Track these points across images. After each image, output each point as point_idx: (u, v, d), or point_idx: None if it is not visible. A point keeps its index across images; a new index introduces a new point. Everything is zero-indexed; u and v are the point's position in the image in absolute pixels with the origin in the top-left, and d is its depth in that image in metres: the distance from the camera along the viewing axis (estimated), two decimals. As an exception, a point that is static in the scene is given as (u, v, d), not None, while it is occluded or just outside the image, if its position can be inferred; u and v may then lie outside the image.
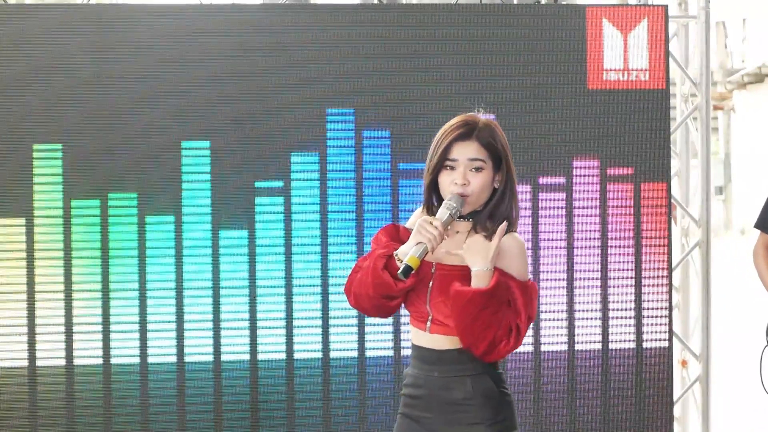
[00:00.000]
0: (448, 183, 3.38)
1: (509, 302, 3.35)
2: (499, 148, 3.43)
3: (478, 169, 3.38)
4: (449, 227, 3.38)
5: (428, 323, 3.42)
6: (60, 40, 5.61)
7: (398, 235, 3.48)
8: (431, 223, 3.31)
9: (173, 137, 5.70)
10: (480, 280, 3.32)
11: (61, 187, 5.64)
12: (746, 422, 8.45)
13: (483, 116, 3.49)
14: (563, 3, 6.46)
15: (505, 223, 3.40)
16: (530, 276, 4.13)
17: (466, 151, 3.38)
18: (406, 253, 3.33)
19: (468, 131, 3.40)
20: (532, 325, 5.79)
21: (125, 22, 5.66)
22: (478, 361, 3.41)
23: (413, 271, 3.31)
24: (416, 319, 3.45)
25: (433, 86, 5.78)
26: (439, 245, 3.33)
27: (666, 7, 5.96)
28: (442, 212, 3.34)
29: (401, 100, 5.78)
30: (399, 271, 3.30)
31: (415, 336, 3.48)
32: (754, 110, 27.14)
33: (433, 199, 3.47)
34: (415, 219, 3.48)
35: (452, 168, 3.38)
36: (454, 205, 3.35)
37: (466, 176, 3.37)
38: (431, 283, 3.40)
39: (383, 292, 3.38)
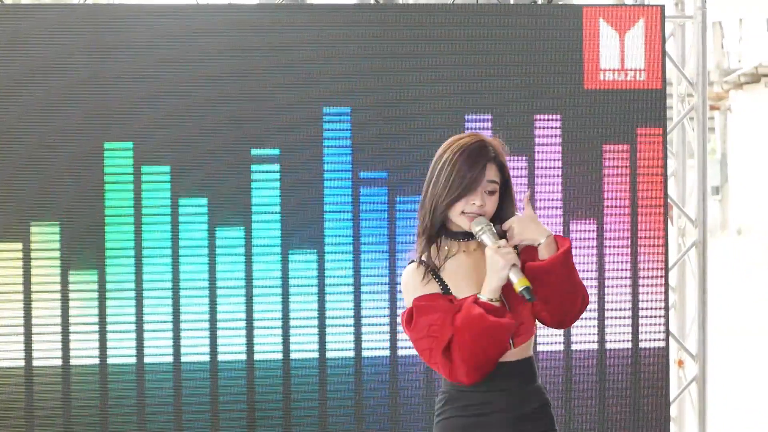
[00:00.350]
0: (463, 204, 3.37)
1: None
2: (505, 167, 3.44)
3: (492, 192, 3.38)
4: (459, 242, 3.42)
5: (512, 339, 3.35)
6: (56, 40, 5.60)
7: (427, 304, 3.36)
8: (500, 247, 3.28)
9: (168, 136, 5.69)
10: (550, 248, 3.34)
11: (57, 188, 5.63)
12: (742, 422, 8.46)
13: (488, 136, 3.47)
14: (560, 3, 6.46)
15: (528, 191, 3.45)
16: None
17: (487, 174, 3.38)
18: (495, 288, 3.28)
19: (491, 156, 3.39)
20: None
21: (121, 22, 5.65)
22: (536, 369, 3.46)
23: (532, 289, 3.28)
24: None
25: (430, 86, 5.77)
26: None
27: (662, 7, 5.96)
28: (490, 237, 3.33)
29: (398, 100, 5.77)
30: (528, 299, 3.25)
31: None
32: (750, 110, 27.16)
33: (434, 227, 3.41)
34: (414, 283, 3.40)
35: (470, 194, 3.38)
36: (485, 225, 3.34)
37: (483, 198, 3.36)
38: (504, 298, 3.34)
39: (509, 335, 3.30)
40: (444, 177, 3.36)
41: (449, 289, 3.38)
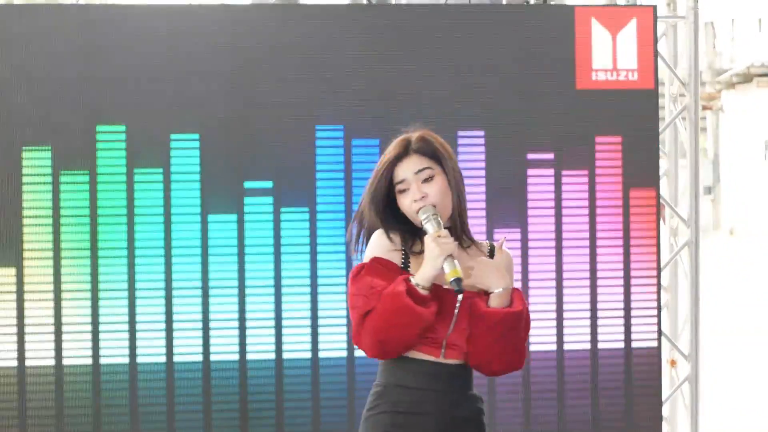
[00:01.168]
0: (409, 205, 3.35)
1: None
2: (439, 151, 3.40)
3: (429, 178, 3.35)
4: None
5: (443, 349, 3.33)
6: (48, 40, 5.60)
7: (387, 270, 3.35)
8: (440, 236, 3.26)
9: (162, 133, 5.69)
10: (501, 300, 3.32)
11: (50, 187, 5.63)
12: (735, 422, 8.47)
13: (414, 131, 3.47)
14: (552, 3, 6.46)
15: (503, 238, 3.42)
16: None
17: (409, 167, 3.36)
18: (428, 277, 3.25)
19: (403, 150, 3.39)
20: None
21: (114, 22, 5.65)
22: (472, 377, 3.41)
23: (462, 282, 3.25)
24: (427, 345, 3.34)
25: (422, 86, 5.77)
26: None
27: (655, 7, 5.97)
28: (433, 225, 3.30)
29: (390, 99, 5.77)
30: (456, 290, 3.23)
31: (419, 356, 3.37)
32: (742, 110, 27.21)
33: (387, 220, 3.41)
34: (380, 244, 3.39)
35: (404, 190, 3.37)
36: (431, 214, 3.31)
37: (420, 190, 3.33)
38: (457, 308, 3.31)
39: (422, 325, 3.25)
40: (370, 182, 3.42)
41: (408, 267, 3.36)
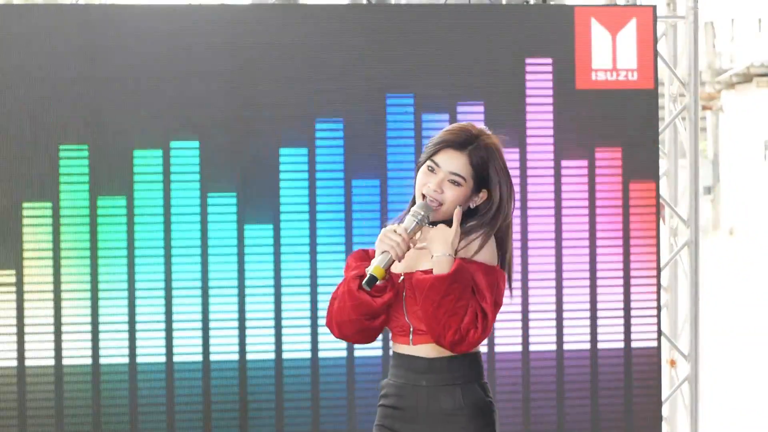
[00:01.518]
0: (422, 183, 3.30)
1: (473, 290, 3.23)
2: (489, 173, 3.32)
3: (456, 183, 3.28)
4: (417, 236, 3.29)
5: (411, 335, 3.31)
6: (47, 40, 5.60)
7: (368, 257, 3.36)
8: (395, 231, 3.22)
9: (161, 136, 5.69)
10: (441, 266, 3.21)
11: (50, 188, 5.63)
12: (734, 422, 8.47)
13: (490, 132, 3.41)
14: (552, 3, 6.46)
15: (459, 208, 3.28)
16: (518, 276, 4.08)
17: (450, 163, 3.29)
18: (371, 266, 3.25)
19: (462, 142, 3.32)
20: (520, 325, 5.80)
21: (113, 22, 5.65)
22: (468, 370, 3.33)
23: (378, 281, 3.21)
24: (398, 335, 3.35)
25: (421, 86, 5.77)
26: (405, 254, 3.23)
27: (654, 7, 5.97)
28: (409, 220, 3.25)
29: (389, 99, 5.77)
30: (363, 282, 3.21)
31: (398, 349, 3.39)
32: (742, 110, 27.21)
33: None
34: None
35: (432, 171, 3.30)
36: (422, 213, 3.25)
37: (441, 185, 3.28)
38: (404, 293, 3.30)
39: (364, 311, 3.27)
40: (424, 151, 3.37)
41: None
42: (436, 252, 3.23)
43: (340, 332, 3.37)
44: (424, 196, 3.31)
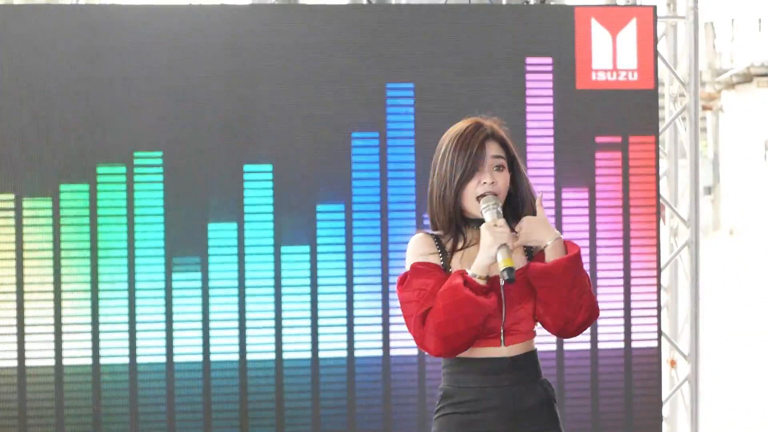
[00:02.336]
0: (473, 185, 3.31)
1: None
2: (509, 146, 3.39)
3: (500, 168, 3.33)
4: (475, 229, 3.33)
5: (503, 337, 3.30)
6: (47, 42, 5.60)
7: (430, 271, 3.30)
8: (496, 225, 3.22)
9: (160, 137, 5.69)
10: (557, 250, 3.28)
11: (50, 188, 5.63)
12: (735, 422, 8.47)
13: (484, 119, 3.42)
14: (552, 3, 6.46)
15: (541, 194, 3.38)
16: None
17: (489, 151, 3.33)
18: (483, 266, 3.22)
19: (488, 132, 3.35)
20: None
21: (112, 24, 5.65)
22: (539, 365, 3.40)
23: (514, 272, 3.20)
24: (485, 339, 3.31)
25: (421, 85, 5.77)
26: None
27: (654, 7, 5.97)
28: (491, 213, 3.25)
29: (389, 98, 5.77)
30: (507, 278, 3.18)
31: (477, 351, 3.33)
32: (742, 110, 27.21)
33: (456, 213, 3.35)
34: (421, 247, 3.35)
35: (477, 173, 3.32)
36: (492, 203, 3.27)
37: (492, 175, 3.31)
38: (503, 294, 3.28)
39: (485, 315, 3.22)
40: (447, 163, 3.32)
41: (450, 268, 3.33)
42: (547, 239, 3.28)
43: (446, 345, 3.24)
44: (478, 199, 3.32)
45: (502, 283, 3.25)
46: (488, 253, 3.21)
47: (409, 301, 3.29)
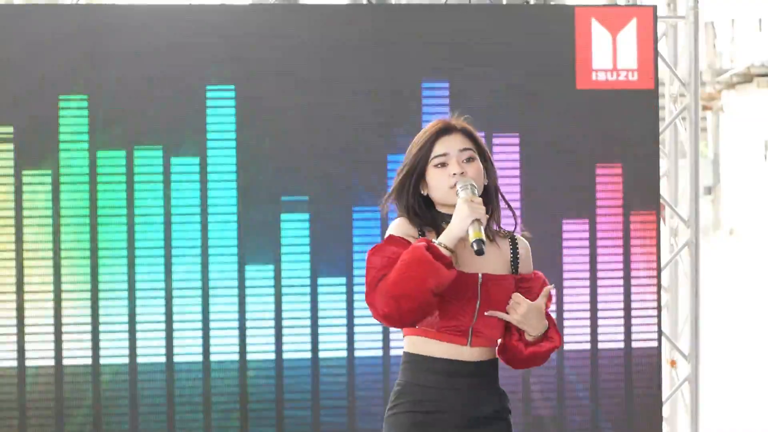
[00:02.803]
0: (444, 178, 3.29)
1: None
2: (479, 141, 3.37)
3: (470, 159, 3.30)
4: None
5: (470, 336, 3.28)
6: (48, 42, 5.59)
7: (403, 242, 3.27)
8: (473, 201, 3.21)
9: (161, 139, 5.69)
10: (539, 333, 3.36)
11: (50, 187, 5.63)
12: (735, 422, 8.47)
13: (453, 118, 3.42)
14: (552, 3, 6.46)
15: (551, 286, 3.37)
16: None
17: (454, 144, 3.31)
18: (452, 237, 3.20)
19: (449, 127, 3.34)
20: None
21: (114, 24, 5.65)
22: (498, 373, 3.40)
23: (485, 244, 3.18)
24: (451, 333, 3.28)
25: (422, 86, 5.77)
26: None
27: (655, 7, 5.97)
28: (468, 192, 3.24)
29: (390, 98, 5.77)
30: (476, 249, 3.14)
31: (441, 349, 3.30)
32: (742, 110, 27.21)
33: (415, 203, 3.35)
34: (403, 227, 3.33)
35: (443, 164, 3.29)
36: (469, 183, 3.25)
37: (461, 166, 3.28)
38: (479, 294, 3.27)
39: (440, 282, 3.14)
40: (411, 155, 3.34)
41: None
42: (536, 331, 3.33)
43: (398, 306, 3.16)
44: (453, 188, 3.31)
45: (480, 282, 3.25)
46: (461, 225, 3.19)
47: (373, 266, 3.24)
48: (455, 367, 3.28)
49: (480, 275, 3.26)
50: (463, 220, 3.18)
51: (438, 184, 3.30)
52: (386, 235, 3.35)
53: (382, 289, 3.17)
